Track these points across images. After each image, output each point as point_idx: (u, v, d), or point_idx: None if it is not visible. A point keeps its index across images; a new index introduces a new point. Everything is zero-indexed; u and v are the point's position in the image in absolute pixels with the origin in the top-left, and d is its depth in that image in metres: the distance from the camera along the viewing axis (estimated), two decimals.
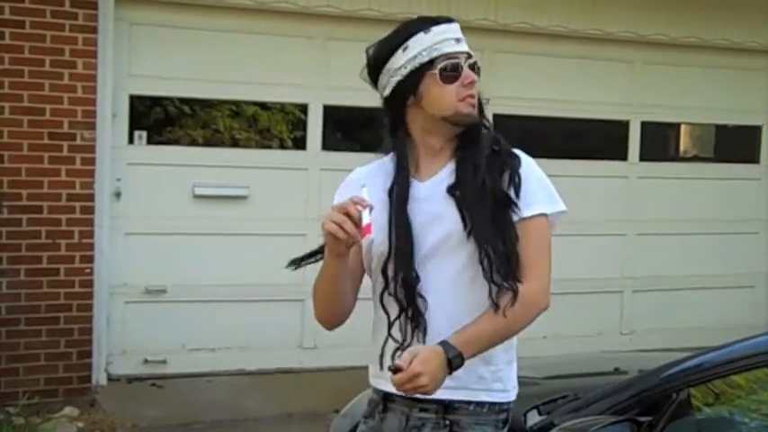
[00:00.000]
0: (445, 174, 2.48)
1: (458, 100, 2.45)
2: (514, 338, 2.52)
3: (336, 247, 2.38)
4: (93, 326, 6.23)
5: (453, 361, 2.29)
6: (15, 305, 5.99)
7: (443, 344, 2.31)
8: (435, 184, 2.48)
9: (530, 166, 2.49)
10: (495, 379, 2.47)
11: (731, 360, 2.78)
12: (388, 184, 2.49)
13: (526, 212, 2.43)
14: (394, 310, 2.47)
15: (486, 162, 2.43)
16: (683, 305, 8.05)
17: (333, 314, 2.60)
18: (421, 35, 2.46)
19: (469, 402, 2.45)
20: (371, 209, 2.29)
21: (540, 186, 2.48)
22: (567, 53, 7.49)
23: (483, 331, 2.37)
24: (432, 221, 2.45)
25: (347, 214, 2.29)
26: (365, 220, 2.26)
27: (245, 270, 6.77)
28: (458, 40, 2.48)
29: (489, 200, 2.40)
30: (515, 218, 2.42)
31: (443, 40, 2.46)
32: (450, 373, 2.30)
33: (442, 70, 2.45)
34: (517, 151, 2.52)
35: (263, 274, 6.82)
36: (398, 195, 2.47)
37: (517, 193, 2.42)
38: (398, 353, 2.41)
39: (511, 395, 2.51)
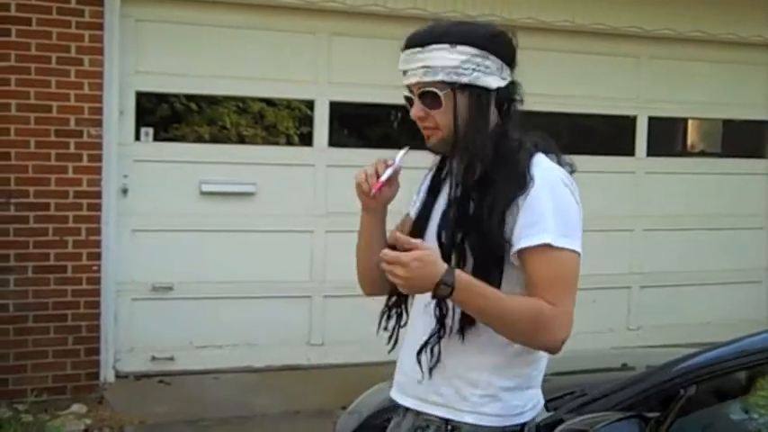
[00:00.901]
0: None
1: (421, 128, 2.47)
2: (525, 367, 2.43)
3: (364, 201, 2.49)
4: (101, 323, 6.24)
5: (440, 285, 2.21)
6: (23, 302, 5.99)
7: (450, 269, 2.24)
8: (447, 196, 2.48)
9: (542, 189, 2.31)
10: (483, 403, 2.39)
11: (739, 356, 2.77)
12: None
13: (524, 243, 2.30)
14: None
15: (485, 189, 2.34)
16: (691, 301, 8.04)
17: (366, 277, 2.63)
18: None
19: (457, 422, 2.42)
20: (397, 170, 2.44)
21: (549, 214, 2.29)
22: (573, 48, 7.48)
23: (491, 296, 2.27)
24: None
25: (376, 170, 2.44)
26: (382, 177, 2.42)
27: (252, 267, 6.77)
28: (405, 73, 2.40)
29: (478, 243, 2.34)
30: (512, 251, 2.32)
31: (400, 71, 2.43)
32: (434, 295, 2.25)
33: (406, 99, 2.46)
34: (540, 169, 2.34)
35: (271, 271, 6.84)
36: (431, 188, 2.55)
37: (502, 224, 2.30)
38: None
39: (507, 420, 2.41)
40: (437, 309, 2.38)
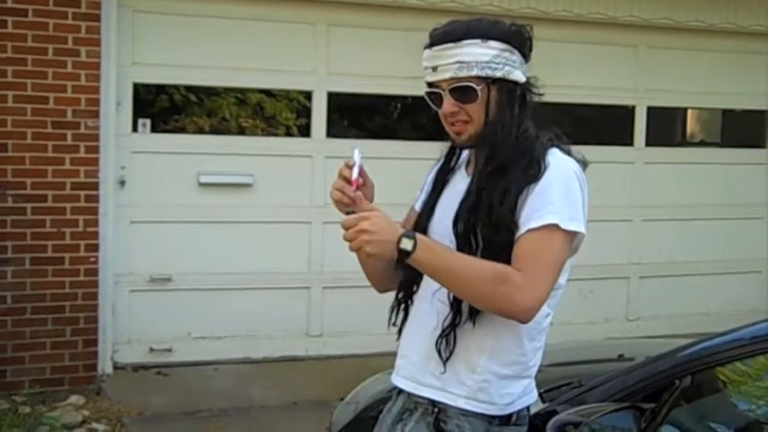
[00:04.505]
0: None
1: (446, 124, 2.47)
2: (521, 356, 2.44)
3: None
4: (99, 314, 6.24)
5: (402, 239, 2.24)
6: (21, 294, 5.99)
7: (409, 230, 2.31)
8: (467, 186, 2.48)
9: (553, 176, 2.35)
10: (478, 389, 2.41)
11: (736, 346, 2.76)
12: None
13: (532, 224, 2.31)
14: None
15: (500, 178, 2.37)
16: (690, 291, 8.03)
17: (374, 277, 2.65)
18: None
19: (449, 405, 2.44)
20: (361, 166, 2.40)
21: (558, 198, 2.33)
22: (572, 38, 7.45)
23: (453, 257, 2.32)
24: (449, 214, 2.47)
25: (344, 179, 2.38)
26: (353, 176, 2.37)
27: (250, 258, 6.77)
28: (434, 69, 2.41)
29: (488, 229, 2.35)
30: (518, 234, 2.33)
31: (425, 68, 2.44)
32: (397, 254, 2.26)
33: (428, 96, 2.47)
34: (554, 159, 2.39)
35: (269, 262, 6.84)
36: (437, 179, 2.58)
37: (513, 210, 2.33)
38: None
39: (500, 409, 2.43)
40: (451, 295, 2.39)
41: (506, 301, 2.28)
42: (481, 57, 2.37)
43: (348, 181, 2.38)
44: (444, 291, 2.41)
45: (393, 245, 2.25)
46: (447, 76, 2.39)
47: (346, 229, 2.26)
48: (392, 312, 2.61)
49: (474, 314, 2.39)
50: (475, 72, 2.37)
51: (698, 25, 7.81)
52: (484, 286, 2.29)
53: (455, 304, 2.40)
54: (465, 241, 2.39)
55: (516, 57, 2.42)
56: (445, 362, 2.42)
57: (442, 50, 2.39)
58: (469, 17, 2.48)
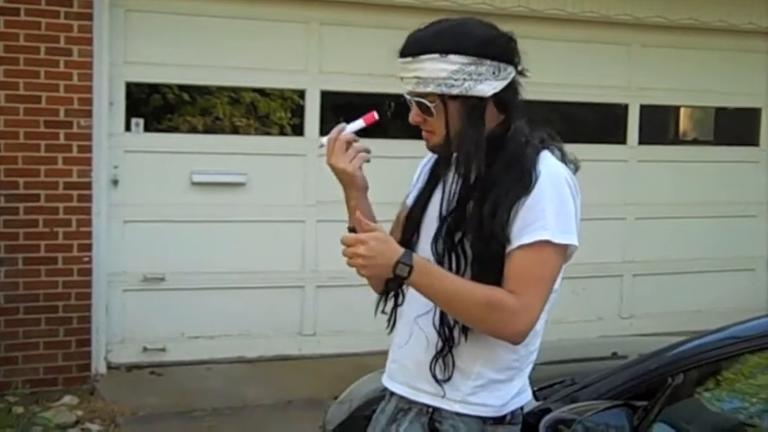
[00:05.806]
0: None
1: None
2: (515, 362, 2.44)
3: (349, 173, 2.59)
4: (92, 314, 6.23)
5: (399, 264, 2.23)
6: (14, 294, 5.99)
7: (408, 251, 2.28)
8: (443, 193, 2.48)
9: (545, 187, 2.31)
10: (473, 393, 2.42)
11: (729, 343, 2.77)
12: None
13: (524, 240, 2.29)
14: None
15: (487, 190, 2.34)
16: (684, 289, 8.04)
17: (376, 287, 2.60)
18: None
19: (445, 410, 2.45)
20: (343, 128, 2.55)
21: (550, 212, 2.29)
22: (565, 37, 7.46)
23: (449, 281, 2.30)
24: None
25: (348, 144, 2.55)
26: (358, 125, 2.57)
27: (243, 257, 6.76)
28: (402, 79, 2.41)
29: (479, 242, 2.34)
30: (508, 248, 2.31)
31: (399, 78, 2.44)
32: (393, 276, 2.25)
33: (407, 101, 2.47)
34: (545, 167, 2.34)
35: (262, 261, 6.83)
36: (433, 171, 2.56)
37: (506, 223, 2.30)
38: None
39: (495, 411, 2.43)
40: (442, 324, 2.39)
41: (500, 325, 2.30)
42: (439, 73, 2.33)
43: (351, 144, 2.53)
44: (437, 318, 2.41)
45: (389, 268, 2.25)
46: (408, 89, 2.40)
47: (345, 245, 2.26)
48: (380, 299, 2.58)
49: (465, 330, 2.38)
50: (431, 88, 2.35)
51: (691, 23, 7.82)
52: (478, 311, 2.29)
53: (446, 329, 2.40)
54: (453, 254, 2.37)
55: (485, 68, 2.34)
56: (441, 383, 2.42)
57: (404, 64, 2.38)
58: (442, 23, 2.41)
